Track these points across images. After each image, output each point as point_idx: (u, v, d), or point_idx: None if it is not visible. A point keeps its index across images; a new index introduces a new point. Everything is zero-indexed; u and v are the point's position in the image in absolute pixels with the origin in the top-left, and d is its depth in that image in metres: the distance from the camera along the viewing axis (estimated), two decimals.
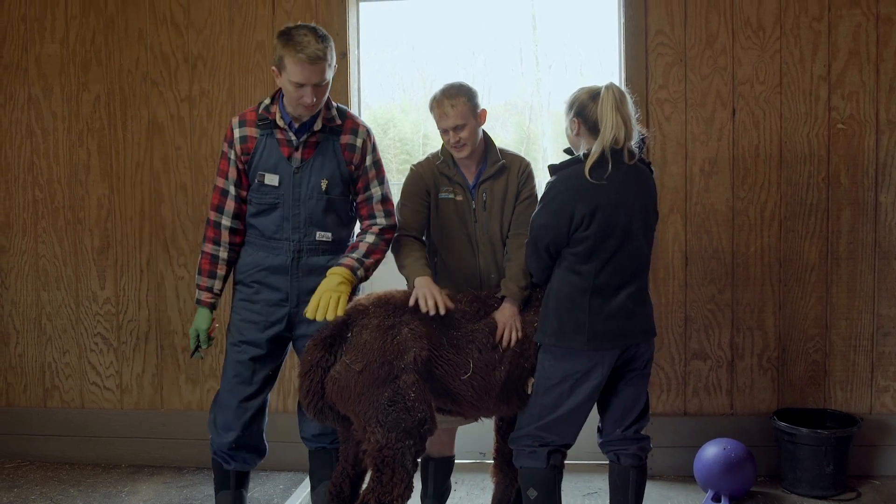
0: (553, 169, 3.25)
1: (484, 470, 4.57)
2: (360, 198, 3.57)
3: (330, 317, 3.20)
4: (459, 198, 3.57)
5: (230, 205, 3.52)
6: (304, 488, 4.29)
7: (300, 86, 3.29)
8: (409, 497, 3.19)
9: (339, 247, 3.57)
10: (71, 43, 4.71)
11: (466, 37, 5.88)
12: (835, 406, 4.44)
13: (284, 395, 4.67)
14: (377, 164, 3.58)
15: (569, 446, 3.35)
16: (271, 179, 3.46)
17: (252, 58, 4.58)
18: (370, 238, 3.50)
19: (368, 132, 3.57)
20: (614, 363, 3.23)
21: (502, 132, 5.95)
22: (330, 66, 3.32)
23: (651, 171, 3.32)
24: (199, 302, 3.59)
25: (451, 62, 5.98)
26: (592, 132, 3.18)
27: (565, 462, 3.38)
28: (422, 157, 3.71)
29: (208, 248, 3.57)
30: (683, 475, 4.41)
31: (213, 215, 3.56)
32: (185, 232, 4.68)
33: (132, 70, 4.67)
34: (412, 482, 3.19)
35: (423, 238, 3.64)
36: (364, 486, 3.27)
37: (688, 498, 4.21)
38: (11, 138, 4.80)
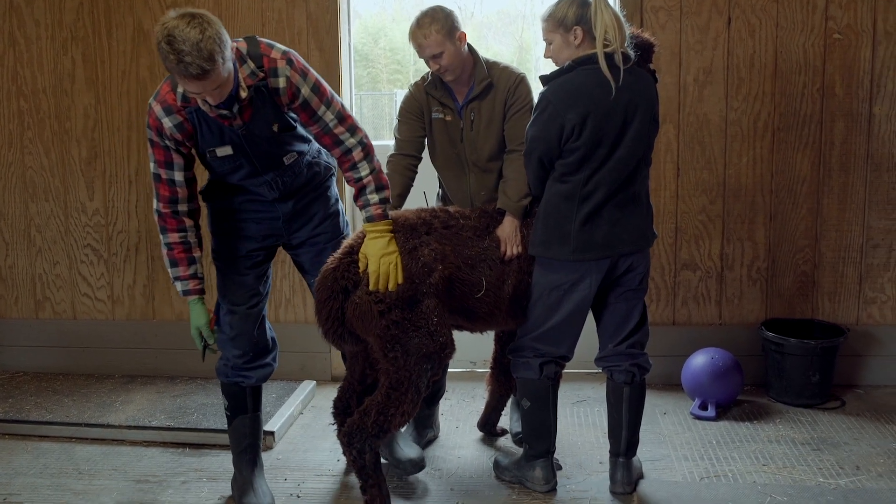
0: (545, 79, 3.20)
1: (474, 379, 4.63)
2: (315, 130, 3.17)
3: (392, 286, 3.08)
4: (449, 118, 3.56)
5: (182, 192, 3.18)
6: (297, 396, 4.34)
7: (199, 93, 2.90)
8: (412, 416, 3.18)
9: (303, 154, 3.32)
10: None
11: None
12: (822, 317, 4.48)
13: (276, 306, 4.69)
14: (316, 88, 3.09)
15: (566, 358, 3.36)
16: (224, 151, 3.15)
17: None
18: (364, 169, 3.17)
19: (288, 62, 3.04)
20: (604, 274, 3.23)
21: (495, 42, 5.87)
22: (223, 61, 2.78)
23: (655, 80, 3.26)
24: (187, 293, 3.24)
25: None
26: (593, 39, 3.12)
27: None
28: (417, 78, 3.69)
29: (174, 237, 3.19)
30: (671, 384, 4.48)
31: (165, 207, 3.17)
32: None
33: None
34: (420, 404, 3.20)
35: (419, 154, 3.64)
36: (371, 396, 3.23)
37: (675, 406, 4.28)
38: None
